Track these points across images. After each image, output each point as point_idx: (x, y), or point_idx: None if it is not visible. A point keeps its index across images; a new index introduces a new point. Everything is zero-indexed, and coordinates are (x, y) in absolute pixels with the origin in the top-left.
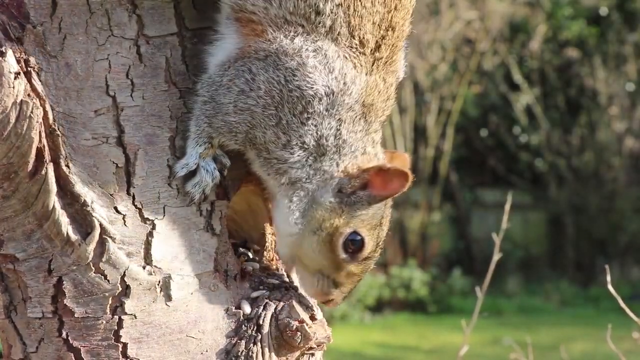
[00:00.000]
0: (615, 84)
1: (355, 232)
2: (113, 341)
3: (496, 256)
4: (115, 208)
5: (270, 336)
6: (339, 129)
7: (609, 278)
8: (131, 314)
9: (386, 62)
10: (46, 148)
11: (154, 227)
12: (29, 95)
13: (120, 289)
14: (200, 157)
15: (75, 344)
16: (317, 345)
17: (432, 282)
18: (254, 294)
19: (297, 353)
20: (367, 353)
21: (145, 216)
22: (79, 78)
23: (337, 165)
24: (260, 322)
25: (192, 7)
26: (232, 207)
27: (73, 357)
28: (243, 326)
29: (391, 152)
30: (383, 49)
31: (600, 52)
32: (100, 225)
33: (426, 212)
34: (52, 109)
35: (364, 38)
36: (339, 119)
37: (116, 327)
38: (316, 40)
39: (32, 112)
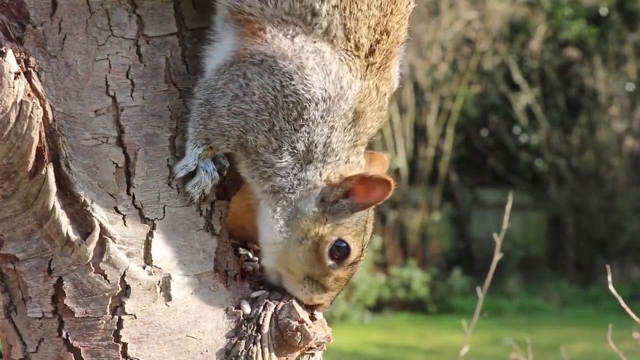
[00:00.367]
0: (615, 84)
1: (340, 240)
2: (113, 341)
3: (497, 256)
4: (115, 208)
5: (270, 336)
6: (330, 137)
7: (609, 278)
8: (131, 314)
9: (380, 68)
10: (46, 148)
11: (154, 227)
12: (29, 95)
13: (120, 289)
14: (199, 159)
15: (75, 344)
16: (317, 345)
17: (432, 282)
18: (254, 294)
19: (297, 353)
20: (367, 353)
21: (145, 216)
22: (79, 78)
23: (320, 174)
24: (260, 322)
25: (192, 7)
26: (232, 207)
27: (73, 357)
28: (243, 326)
29: (370, 153)
30: (377, 53)
31: (600, 52)
32: (100, 225)
33: (426, 212)
34: (52, 109)
35: (359, 41)
36: (332, 126)
37: (116, 327)
38: (315, 42)
39: (32, 112)
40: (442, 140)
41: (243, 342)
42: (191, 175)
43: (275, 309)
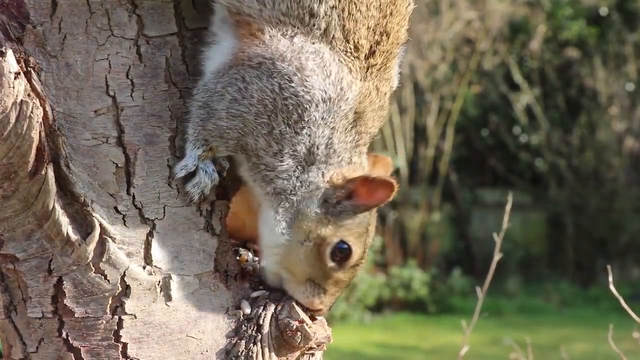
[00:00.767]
0: (615, 84)
1: (342, 242)
2: (113, 341)
3: (497, 256)
4: (115, 208)
5: (270, 336)
6: (331, 138)
7: (610, 278)
8: (131, 314)
9: (380, 69)
10: (46, 148)
11: (154, 227)
12: (29, 95)
13: (120, 289)
14: (199, 159)
15: (75, 344)
16: (317, 345)
17: (432, 282)
18: (254, 294)
19: (297, 353)
20: (367, 353)
21: (145, 216)
22: (79, 78)
23: (323, 175)
24: (260, 322)
25: (192, 7)
26: (232, 207)
27: (73, 357)
28: (243, 326)
29: (374, 155)
30: (377, 55)
31: (600, 52)
32: (100, 225)
33: (426, 212)
34: (52, 109)
35: (358, 43)
36: (333, 127)
37: (116, 327)
38: (314, 42)
39: (32, 112)
40: (442, 140)
41: (243, 342)
42: (191, 175)
43: (275, 309)
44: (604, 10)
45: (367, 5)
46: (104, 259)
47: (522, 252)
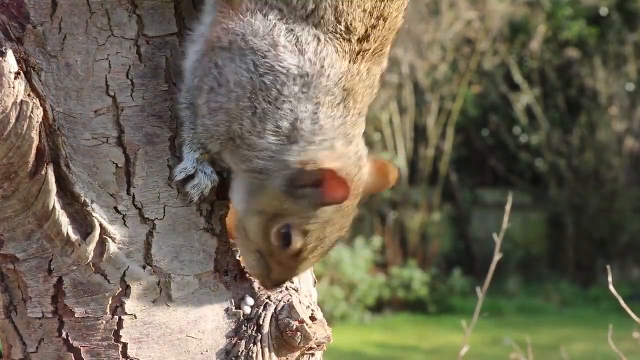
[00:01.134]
0: (615, 84)
1: (287, 225)
2: (113, 341)
3: (496, 256)
4: (115, 208)
5: (270, 336)
6: (316, 113)
7: (610, 278)
8: (131, 314)
9: (374, 54)
10: (46, 148)
11: (154, 227)
12: (29, 95)
13: (120, 289)
14: (197, 162)
15: (75, 344)
16: (317, 345)
17: (432, 282)
18: (254, 294)
19: (297, 353)
20: (367, 353)
21: (145, 216)
22: (79, 78)
23: (299, 155)
24: (260, 322)
25: (192, 7)
26: (232, 207)
27: (73, 357)
28: (243, 326)
29: (375, 160)
30: (372, 39)
31: (600, 52)
32: (100, 225)
33: (426, 212)
34: (52, 109)
35: (351, 25)
36: (317, 102)
37: (116, 327)
38: (290, 23)
39: (32, 112)
40: (442, 140)
41: (243, 342)
42: (190, 177)
43: (275, 309)
44: (604, 10)
45: None
46: (104, 259)
47: (522, 252)
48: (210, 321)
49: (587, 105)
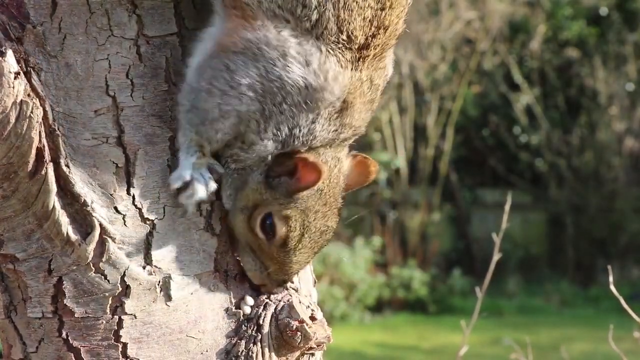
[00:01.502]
0: (615, 84)
1: (268, 215)
2: (113, 341)
3: (496, 256)
4: (115, 208)
5: (271, 336)
6: (314, 123)
7: (610, 278)
8: (131, 314)
9: (374, 58)
10: (46, 148)
11: (154, 227)
12: (29, 95)
13: (120, 289)
14: (194, 167)
15: (75, 344)
16: (317, 345)
17: (432, 282)
18: (254, 294)
19: (297, 353)
20: (367, 353)
21: (145, 216)
22: (79, 78)
23: (275, 149)
24: (260, 322)
25: (192, 7)
26: None
27: (73, 357)
28: (243, 326)
29: (355, 155)
30: (371, 47)
31: (600, 52)
32: (100, 225)
33: (426, 212)
34: (52, 109)
35: (352, 33)
36: (317, 113)
37: (116, 327)
38: (297, 35)
39: (32, 112)
40: (442, 140)
41: (243, 342)
42: (185, 185)
43: (275, 309)
44: (604, 10)
45: None
46: (104, 259)
47: (522, 252)
48: (210, 321)
49: (587, 105)
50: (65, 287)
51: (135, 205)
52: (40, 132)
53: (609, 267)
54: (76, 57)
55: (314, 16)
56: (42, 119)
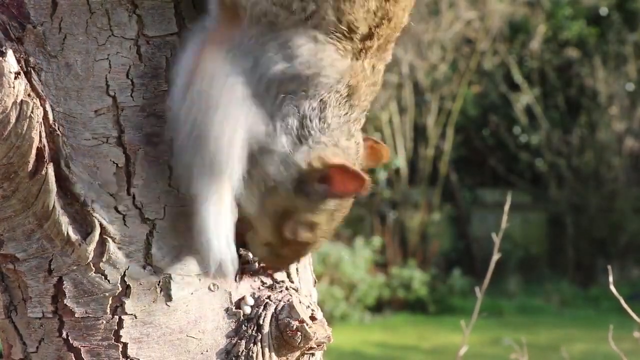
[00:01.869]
0: (615, 84)
1: (299, 221)
2: (113, 341)
3: (496, 256)
4: (116, 208)
5: (271, 336)
6: (324, 111)
7: (610, 278)
8: (131, 314)
9: (378, 49)
10: (46, 148)
11: (154, 227)
12: (29, 95)
13: (121, 289)
14: (228, 245)
15: (76, 344)
16: (317, 345)
17: (432, 282)
18: (254, 294)
19: (297, 353)
20: (367, 353)
21: (146, 216)
22: (79, 78)
23: (308, 155)
24: (261, 322)
25: (192, 7)
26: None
27: (73, 357)
28: (243, 326)
29: (373, 140)
30: (375, 38)
31: (600, 52)
32: (101, 225)
33: (426, 212)
34: (52, 109)
35: (353, 24)
36: (322, 100)
37: (116, 327)
38: (283, 30)
39: (32, 112)
40: (442, 140)
41: (243, 342)
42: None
43: (276, 309)
44: (604, 10)
45: None
46: (104, 259)
47: (522, 252)
48: (211, 321)
49: (587, 105)
50: (65, 287)
51: (136, 205)
52: (40, 132)
53: (609, 267)
54: (76, 57)
55: (311, 7)
56: (43, 119)
